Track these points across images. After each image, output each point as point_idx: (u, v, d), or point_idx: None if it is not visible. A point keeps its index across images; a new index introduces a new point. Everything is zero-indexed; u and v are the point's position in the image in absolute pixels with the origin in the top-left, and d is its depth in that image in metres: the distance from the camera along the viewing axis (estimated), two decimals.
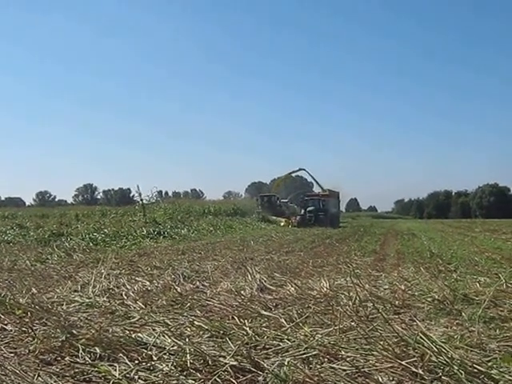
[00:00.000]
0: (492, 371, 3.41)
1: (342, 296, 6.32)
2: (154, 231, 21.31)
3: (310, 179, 52.85)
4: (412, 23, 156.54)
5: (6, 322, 4.93)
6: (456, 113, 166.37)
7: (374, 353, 3.80)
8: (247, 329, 4.58)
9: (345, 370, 3.55)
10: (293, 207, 47.57)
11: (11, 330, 4.73)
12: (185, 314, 5.39)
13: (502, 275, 7.34)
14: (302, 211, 40.09)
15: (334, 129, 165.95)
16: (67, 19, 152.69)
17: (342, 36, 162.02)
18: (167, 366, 3.70)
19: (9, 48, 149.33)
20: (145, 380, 3.46)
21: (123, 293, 6.75)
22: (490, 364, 3.62)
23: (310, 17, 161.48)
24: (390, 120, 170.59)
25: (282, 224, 38.07)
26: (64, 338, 4.25)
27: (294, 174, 59.45)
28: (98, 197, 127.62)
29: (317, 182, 49.99)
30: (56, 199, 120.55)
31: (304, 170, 50.00)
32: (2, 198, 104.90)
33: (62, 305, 5.95)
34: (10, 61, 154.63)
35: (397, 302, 6.04)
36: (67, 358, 3.92)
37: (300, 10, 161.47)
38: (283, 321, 4.99)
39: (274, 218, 40.56)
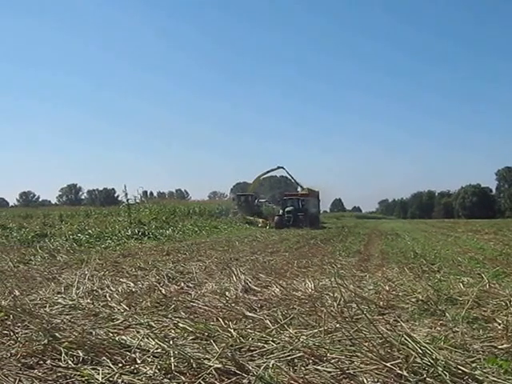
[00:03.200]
0: (476, 372, 3.45)
1: (327, 297, 6.37)
2: (138, 232, 21.25)
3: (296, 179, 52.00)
4: (403, 24, 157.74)
5: None
6: (440, 114, 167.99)
7: (359, 354, 3.82)
8: (232, 331, 4.58)
9: (330, 372, 3.55)
10: (271, 207, 47.01)
11: None
12: (169, 316, 5.36)
13: (484, 275, 7.42)
14: (281, 211, 37.91)
15: (319, 130, 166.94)
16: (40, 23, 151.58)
17: (321, 33, 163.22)
18: (151, 369, 3.67)
19: None
20: (128, 383, 3.43)
21: (107, 294, 6.72)
22: (473, 365, 3.66)
23: (296, 16, 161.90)
24: (375, 121, 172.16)
25: (260, 225, 36.79)
26: (46, 341, 4.21)
27: (274, 173, 58.90)
28: (83, 197, 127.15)
29: (295, 181, 49.17)
30: (40, 199, 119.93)
31: (282, 168, 48.54)
32: None
33: (45, 307, 5.91)
34: None
35: (381, 303, 6.09)
36: (49, 362, 3.88)
37: (284, 10, 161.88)
38: (268, 322, 5.00)
39: (251, 218, 39.21)
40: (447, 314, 5.42)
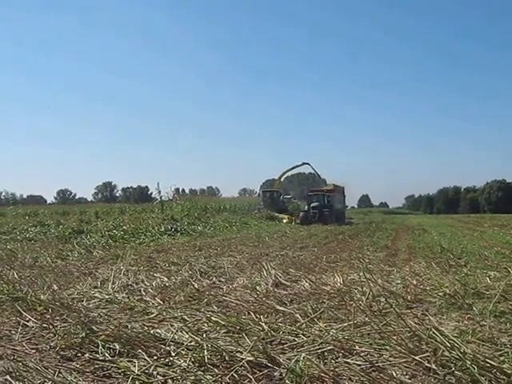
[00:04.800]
0: (504, 365, 3.45)
1: (356, 291, 6.38)
2: (171, 228, 21.44)
3: (321, 175, 51.26)
4: (426, 23, 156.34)
5: (27, 319, 5.02)
6: (465, 111, 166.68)
7: (388, 347, 3.86)
8: (263, 324, 4.64)
9: (359, 365, 3.59)
10: (296, 203, 46.55)
11: (32, 327, 4.83)
12: (202, 310, 5.44)
13: (511, 269, 7.39)
14: (306, 207, 37.19)
15: (347, 126, 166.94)
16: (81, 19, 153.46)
17: (348, 35, 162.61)
18: (185, 361, 3.76)
19: (22, 46, 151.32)
20: (163, 376, 3.52)
21: (142, 289, 6.84)
22: (501, 358, 3.66)
23: (316, 15, 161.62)
24: (401, 118, 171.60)
25: (285, 221, 36.10)
26: (84, 334, 4.33)
27: (301, 170, 58.28)
28: (117, 194, 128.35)
29: (319, 176, 48.67)
30: (76, 197, 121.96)
31: (308, 164, 48.08)
32: (24, 196, 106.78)
33: (82, 301, 6.04)
34: (25, 59, 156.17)
35: (409, 297, 6.10)
36: (87, 355, 3.99)
37: (305, 9, 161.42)
38: (298, 316, 5.06)
39: (277, 214, 38.57)
40: (474, 308, 5.42)
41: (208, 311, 5.36)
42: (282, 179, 51.42)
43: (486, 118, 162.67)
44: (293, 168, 49.97)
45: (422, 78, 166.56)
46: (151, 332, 4.43)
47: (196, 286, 7.07)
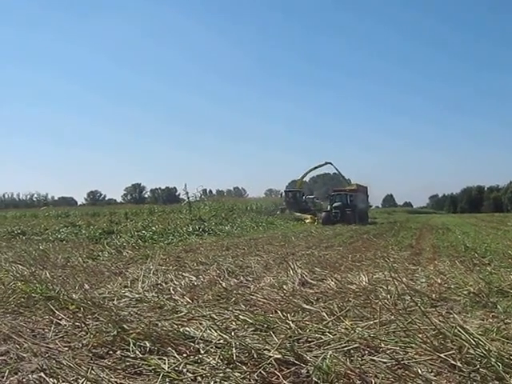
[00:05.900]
0: None
1: (381, 290, 6.42)
2: (199, 228, 21.67)
3: (345, 175, 50.72)
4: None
5: (60, 317, 5.16)
6: (489, 112, 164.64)
7: (413, 345, 3.88)
8: (290, 322, 4.69)
9: (385, 363, 3.63)
10: (319, 203, 46.33)
11: (65, 325, 4.95)
12: (230, 309, 5.51)
13: None
14: (328, 207, 36.44)
15: (371, 127, 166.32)
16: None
17: (370, 36, 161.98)
18: (214, 359, 3.82)
19: (62, 48, 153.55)
20: (193, 373, 3.58)
21: (171, 288, 6.94)
22: None
23: (335, 18, 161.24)
24: (424, 118, 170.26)
25: (308, 221, 36.00)
26: (115, 332, 4.43)
27: (326, 170, 57.93)
28: (146, 195, 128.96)
29: (342, 176, 48.14)
30: (106, 198, 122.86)
31: (330, 163, 47.62)
32: (56, 198, 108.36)
33: (113, 300, 6.16)
34: (64, 60, 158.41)
35: (434, 295, 6.12)
36: (119, 352, 4.09)
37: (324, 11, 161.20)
38: (324, 314, 5.10)
39: (299, 214, 38.53)
40: (499, 306, 5.43)
41: (236, 310, 5.42)
42: (305, 179, 51.28)
43: (509, 117, 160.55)
44: (315, 168, 49.66)
45: (445, 80, 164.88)
46: (180, 330, 4.51)
47: (224, 285, 7.15)
